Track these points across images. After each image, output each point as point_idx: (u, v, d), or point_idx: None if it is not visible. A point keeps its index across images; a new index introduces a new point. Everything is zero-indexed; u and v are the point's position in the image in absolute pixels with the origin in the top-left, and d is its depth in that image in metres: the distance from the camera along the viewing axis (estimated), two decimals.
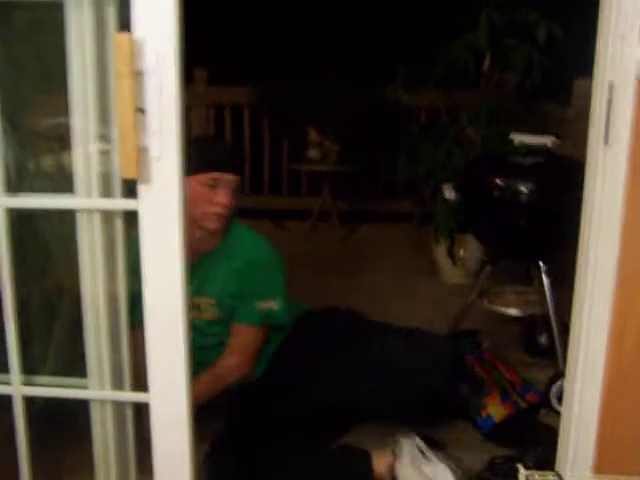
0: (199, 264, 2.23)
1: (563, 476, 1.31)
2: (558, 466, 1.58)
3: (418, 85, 3.89)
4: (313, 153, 4.85)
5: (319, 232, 4.86)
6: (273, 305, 2.30)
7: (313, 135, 4.87)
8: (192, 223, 2.14)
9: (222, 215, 2.21)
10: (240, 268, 2.27)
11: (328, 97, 4.73)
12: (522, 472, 1.34)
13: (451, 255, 3.66)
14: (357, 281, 3.75)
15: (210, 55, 4.76)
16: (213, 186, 2.17)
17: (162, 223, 1.33)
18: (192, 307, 2.21)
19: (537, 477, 1.33)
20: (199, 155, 2.15)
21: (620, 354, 1.49)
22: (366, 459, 2.16)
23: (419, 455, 2.17)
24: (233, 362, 2.29)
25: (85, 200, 1.43)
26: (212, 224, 2.21)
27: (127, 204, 1.37)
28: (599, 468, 1.51)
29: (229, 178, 2.20)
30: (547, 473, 1.34)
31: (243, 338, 2.31)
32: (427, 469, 2.13)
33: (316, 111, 4.81)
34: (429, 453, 2.18)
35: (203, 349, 2.29)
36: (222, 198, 2.18)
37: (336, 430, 2.34)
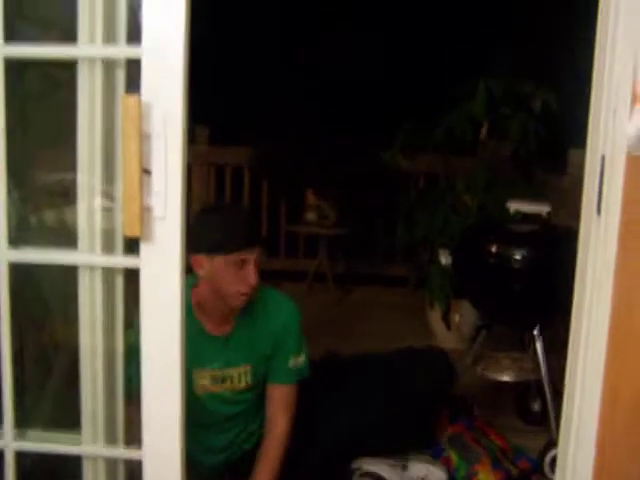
0: (231, 336, 2.23)
1: None
2: None
3: (416, 151, 3.96)
4: (310, 216, 4.90)
5: (315, 294, 4.87)
6: (301, 360, 2.30)
7: (311, 198, 4.92)
8: (219, 299, 2.16)
9: (250, 294, 2.16)
10: (277, 331, 2.26)
11: (326, 161, 4.80)
12: None
13: (446, 320, 3.67)
14: (350, 344, 3.74)
15: (212, 114, 4.84)
16: (241, 265, 2.12)
17: (163, 281, 1.36)
18: (224, 380, 2.24)
19: None
20: (226, 234, 2.13)
21: (612, 424, 1.49)
22: None
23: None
24: (284, 426, 2.25)
25: (87, 256, 1.45)
26: (240, 303, 2.18)
27: (129, 262, 1.39)
28: None
29: (256, 254, 2.14)
30: None
31: (285, 398, 2.28)
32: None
33: (314, 174, 4.87)
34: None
35: (231, 418, 2.32)
36: (251, 278, 2.12)
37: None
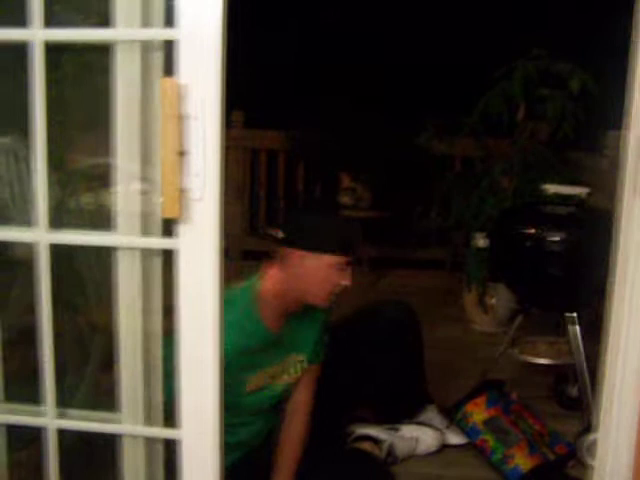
0: (286, 329, 2.23)
1: None
2: None
3: (452, 134, 3.93)
4: (345, 199, 4.88)
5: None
6: (326, 337, 2.37)
7: (346, 181, 4.91)
8: (301, 296, 2.18)
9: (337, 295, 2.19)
10: (322, 317, 2.33)
11: (362, 144, 4.78)
12: None
13: (482, 303, 3.65)
14: None
15: (247, 98, 4.84)
16: (344, 267, 2.15)
17: (201, 262, 1.36)
18: (282, 372, 2.25)
19: None
20: (345, 236, 2.16)
21: None
22: None
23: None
24: (310, 401, 2.33)
25: (126, 237, 1.46)
26: (327, 303, 2.21)
27: (167, 243, 1.40)
28: None
29: (354, 259, 2.19)
30: None
31: (314, 375, 2.35)
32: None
33: (349, 157, 4.86)
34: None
35: (272, 411, 2.32)
36: (348, 280, 2.16)
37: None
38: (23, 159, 1.68)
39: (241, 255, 5.03)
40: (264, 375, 2.21)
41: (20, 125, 1.59)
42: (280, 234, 2.09)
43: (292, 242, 2.08)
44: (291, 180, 5.29)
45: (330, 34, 5.96)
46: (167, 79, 1.32)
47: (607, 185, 3.15)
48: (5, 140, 1.83)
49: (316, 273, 2.11)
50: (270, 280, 2.16)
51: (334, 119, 4.87)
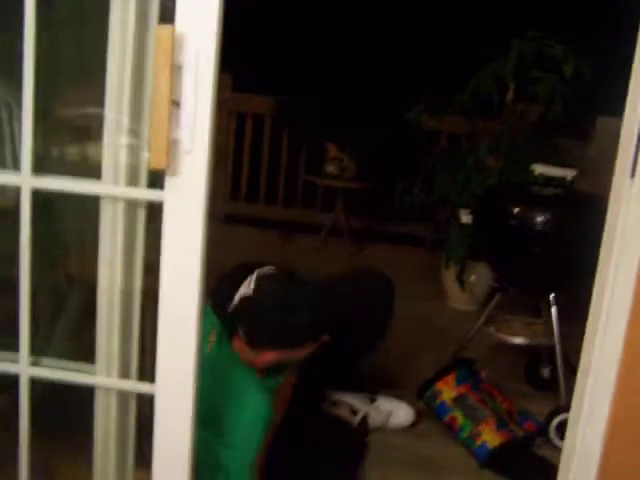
0: None
1: None
2: None
3: (442, 111, 3.91)
4: (330, 168, 4.86)
5: (329, 247, 4.86)
6: None
7: (332, 150, 4.89)
8: None
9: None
10: None
11: (350, 115, 4.75)
12: None
13: (461, 281, 3.66)
14: None
15: (236, 62, 4.78)
16: None
17: (187, 215, 1.34)
18: None
19: None
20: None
21: (629, 391, 1.48)
22: None
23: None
24: None
25: (112, 187, 1.44)
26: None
27: (153, 194, 1.38)
28: None
29: None
30: None
31: None
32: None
33: (337, 127, 4.83)
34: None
35: None
36: None
37: None
38: (5, 105, 1.65)
39: (223, 219, 5.00)
40: None
41: (6, 70, 1.56)
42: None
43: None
44: (276, 146, 5.26)
45: (325, 4, 5.90)
46: (162, 26, 1.29)
47: (593, 170, 3.16)
48: None
49: None
50: None
51: (324, 88, 4.83)
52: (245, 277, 2.05)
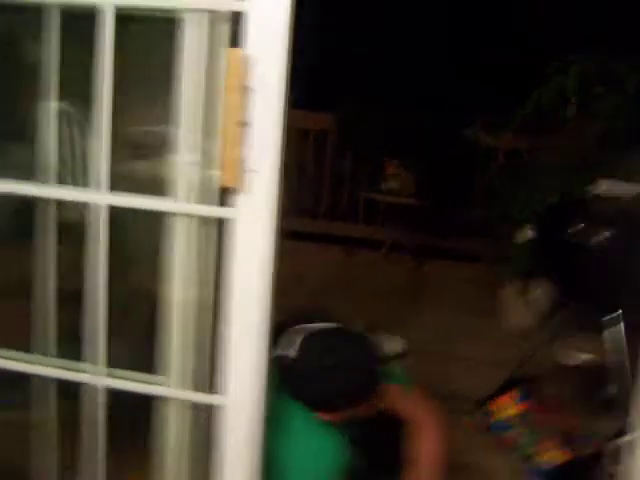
0: None
1: None
2: None
3: (499, 129, 3.91)
4: (390, 184, 4.88)
5: (390, 263, 4.88)
6: None
7: (391, 167, 4.91)
8: None
9: None
10: None
11: (410, 131, 4.77)
12: None
13: (522, 297, 3.63)
14: (422, 315, 3.75)
15: (297, 78, 4.84)
16: None
17: (257, 231, 1.38)
18: None
19: None
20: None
21: None
22: None
23: None
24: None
25: (184, 205, 1.49)
26: None
27: (224, 212, 1.42)
28: None
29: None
30: None
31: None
32: None
33: (397, 143, 4.85)
34: None
35: None
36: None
37: None
38: (77, 123, 1.71)
39: (285, 235, 5.04)
40: None
41: (78, 89, 1.62)
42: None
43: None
44: (339, 162, 5.30)
45: (388, 21, 5.93)
46: (233, 50, 1.34)
47: None
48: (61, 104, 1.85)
49: None
50: None
51: (384, 104, 4.86)
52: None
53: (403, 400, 2.01)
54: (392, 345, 2.86)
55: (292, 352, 1.79)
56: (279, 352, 1.80)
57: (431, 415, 1.99)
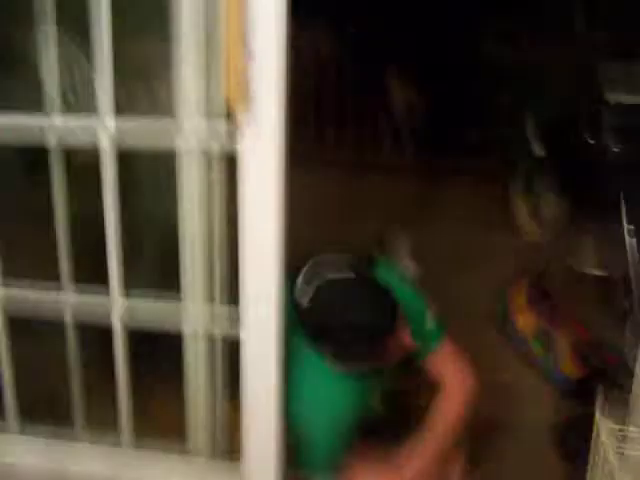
0: None
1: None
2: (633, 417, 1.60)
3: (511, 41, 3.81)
4: (399, 105, 4.81)
5: (400, 185, 4.83)
6: None
7: (398, 87, 4.83)
8: None
9: None
10: None
11: (421, 48, 4.66)
12: (603, 424, 1.33)
13: (534, 213, 3.61)
14: (433, 234, 3.74)
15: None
16: None
17: (263, 159, 1.39)
18: None
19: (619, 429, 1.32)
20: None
21: None
22: None
23: None
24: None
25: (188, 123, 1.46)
26: None
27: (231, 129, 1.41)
28: None
29: None
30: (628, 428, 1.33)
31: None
32: None
33: (406, 63, 4.75)
34: None
35: None
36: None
37: None
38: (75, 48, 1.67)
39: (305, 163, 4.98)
40: None
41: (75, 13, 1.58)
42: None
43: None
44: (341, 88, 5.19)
45: None
46: None
47: None
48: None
49: None
50: None
51: (389, 22, 4.75)
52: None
53: (433, 362, 1.95)
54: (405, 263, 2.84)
55: (305, 301, 1.71)
56: (295, 297, 1.73)
57: (459, 377, 1.93)
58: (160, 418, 1.94)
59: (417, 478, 1.82)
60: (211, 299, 1.60)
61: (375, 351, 1.77)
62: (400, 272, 2.05)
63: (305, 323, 1.73)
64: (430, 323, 1.93)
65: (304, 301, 1.70)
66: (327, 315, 1.72)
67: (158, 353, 1.76)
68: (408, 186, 4.79)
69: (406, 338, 1.79)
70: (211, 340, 1.63)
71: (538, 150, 2.83)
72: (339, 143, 5.28)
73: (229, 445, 1.75)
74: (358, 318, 1.71)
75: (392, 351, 1.79)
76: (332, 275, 1.72)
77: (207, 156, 1.49)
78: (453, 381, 1.92)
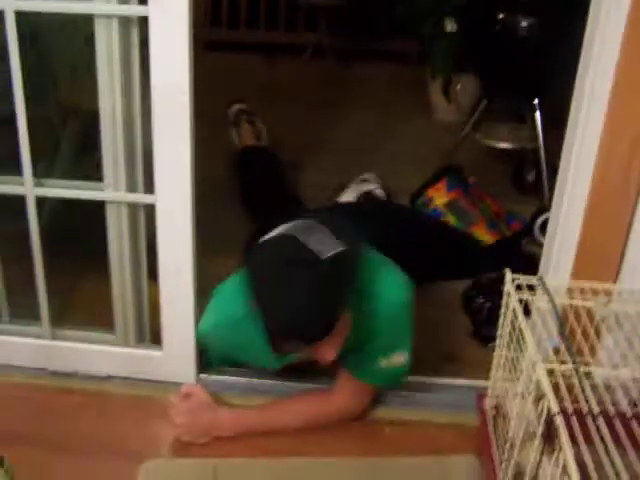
0: None
1: (545, 280, 1.41)
2: (541, 272, 1.71)
3: None
4: None
5: (313, 68, 4.80)
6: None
7: None
8: None
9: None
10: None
11: None
12: (508, 275, 1.43)
13: (446, 92, 3.66)
14: (349, 117, 3.77)
15: None
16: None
17: (172, 28, 1.38)
18: None
19: (522, 280, 1.43)
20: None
21: (602, 185, 1.57)
22: None
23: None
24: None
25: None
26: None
27: (140, 10, 1.40)
28: (577, 274, 1.62)
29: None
30: (531, 277, 1.44)
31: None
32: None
33: None
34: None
35: None
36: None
37: None
38: None
39: (205, 45, 4.87)
40: None
41: None
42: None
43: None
44: None
45: None
46: None
47: None
48: None
49: None
50: None
51: None
52: None
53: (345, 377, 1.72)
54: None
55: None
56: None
57: (350, 401, 1.76)
58: (84, 302, 1.98)
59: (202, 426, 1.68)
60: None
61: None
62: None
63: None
64: (383, 364, 1.64)
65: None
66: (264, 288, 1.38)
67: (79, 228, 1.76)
68: (323, 68, 4.77)
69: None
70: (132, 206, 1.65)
71: (450, 26, 2.85)
72: (252, 26, 5.16)
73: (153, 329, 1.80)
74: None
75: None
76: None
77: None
78: (342, 399, 1.75)
